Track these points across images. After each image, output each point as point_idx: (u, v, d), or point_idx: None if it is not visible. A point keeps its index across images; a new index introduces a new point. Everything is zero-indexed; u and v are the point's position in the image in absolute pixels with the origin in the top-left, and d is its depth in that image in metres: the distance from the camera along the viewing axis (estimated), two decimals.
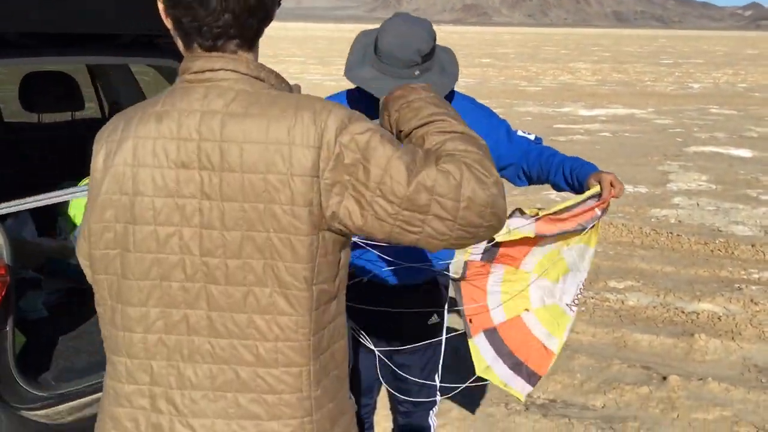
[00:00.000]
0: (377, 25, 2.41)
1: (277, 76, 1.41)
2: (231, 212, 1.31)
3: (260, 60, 1.42)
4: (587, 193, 2.40)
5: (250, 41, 1.39)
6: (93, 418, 2.42)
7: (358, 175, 1.29)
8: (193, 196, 1.33)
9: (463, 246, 1.37)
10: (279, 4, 1.44)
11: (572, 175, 2.50)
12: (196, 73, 1.36)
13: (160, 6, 1.37)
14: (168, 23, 1.38)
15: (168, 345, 1.38)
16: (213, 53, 1.36)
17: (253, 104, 1.32)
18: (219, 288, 1.34)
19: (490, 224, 1.33)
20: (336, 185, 1.29)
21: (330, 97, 2.53)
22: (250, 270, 1.33)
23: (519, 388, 2.56)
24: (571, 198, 2.43)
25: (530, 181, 2.64)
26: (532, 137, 2.62)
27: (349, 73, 2.32)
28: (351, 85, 2.49)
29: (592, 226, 2.45)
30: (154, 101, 1.40)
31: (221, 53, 1.36)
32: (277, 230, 1.30)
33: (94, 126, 4.92)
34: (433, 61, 2.32)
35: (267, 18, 1.40)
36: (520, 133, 2.61)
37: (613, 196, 2.39)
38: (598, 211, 2.42)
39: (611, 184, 2.37)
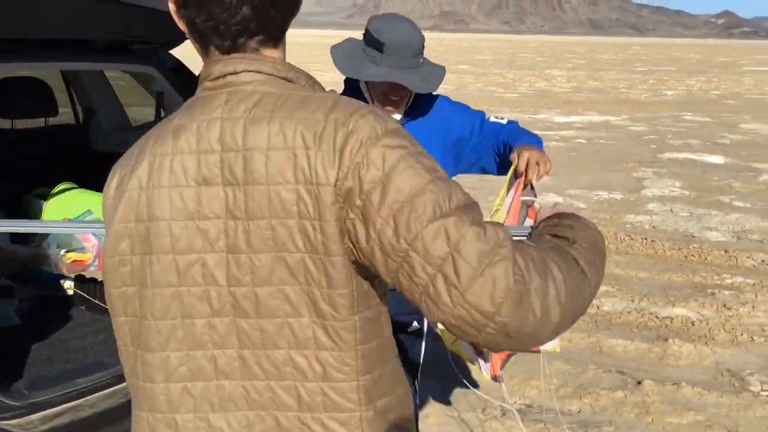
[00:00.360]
0: (355, 32, 2.45)
1: (309, 77, 1.27)
2: (258, 231, 1.14)
3: None
4: (509, 174, 2.29)
5: (274, 37, 1.23)
6: (66, 428, 2.40)
7: (372, 197, 1.10)
8: (218, 217, 1.16)
9: (458, 335, 1.13)
10: None
11: (504, 149, 2.46)
12: (216, 79, 1.22)
13: (171, 7, 1.22)
14: (182, 26, 1.24)
15: (194, 394, 1.21)
16: (233, 55, 1.21)
17: (279, 107, 1.16)
18: (250, 321, 1.17)
19: (501, 324, 1.08)
20: (348, 198, 1.12)
21: None
22: (284, 298, 1.16)
23: (484, 368, 2.55)
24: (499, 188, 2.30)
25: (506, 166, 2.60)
26: (504, 121, 2.59)
27: (359, 74, 2.40)
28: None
29: (529, 208, 2.30)
30: (172, 116, 1.26)
31: (242, 54, 1.21)
32: (310, 250, 1.13)
33: (68, 132, 4.90)
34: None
35: (293, 7, 1.24)
36: (492, 119, 2.61)
37: (530, 180, 2.25)
38: (522, 197, 2.27)
39: (529, 164, 2.25)
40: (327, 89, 1.27)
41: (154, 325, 1.21)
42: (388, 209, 1.09)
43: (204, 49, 1.23)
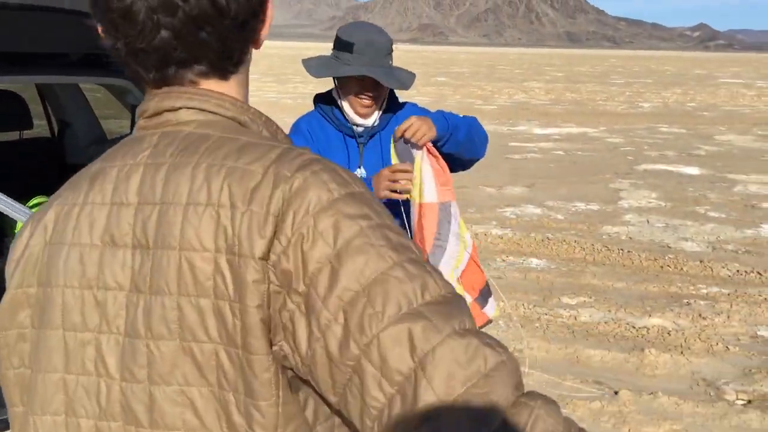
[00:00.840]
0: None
1: (270, 122, 1.01)
2: (161, 311, 0.89)
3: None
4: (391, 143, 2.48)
5: (219, 68, 0.98)
6: None
7: (317, 282, 0.84)
8: (120, 288, 0.92)
9: None
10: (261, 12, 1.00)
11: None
12: (150, 116, 0.99)
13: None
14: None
15: None
16: (174, 88, 0.98)
17: (210, 152, 0.92)
18: None
19: None
20: (286, 281, 0.85)
21: (302, 118, 2.65)
22: (187, 405, 0.89)
23: None
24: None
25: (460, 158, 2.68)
26: (460, 115, 2.70)
27: (333, 72, 2.55)
28: (310, 106, 2.72)
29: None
30: (101, 157, 1.05)
31: (184, 88, 0.98)
32: (225, 342, 0.87)
33: (43, 145, 4.86)
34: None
35: (241, 30, 0.97)
36: (449, 112, 2.71)
37: (405, 136, 2.42)
38: (405, 146, 2.47)
39: (407, 132, 2.42)
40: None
41: (32, 421, 0.97)
42: (337, 300, 0.82)
43: (140, 81, 1.01)
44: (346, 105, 2.61)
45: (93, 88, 5.65)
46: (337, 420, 0.92)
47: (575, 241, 7.65)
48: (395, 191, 2.47)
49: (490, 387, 0.79)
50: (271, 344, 0.86)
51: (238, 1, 0.95)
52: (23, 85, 4.69)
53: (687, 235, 8.11)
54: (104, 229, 0.94)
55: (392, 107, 2.71)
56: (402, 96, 2.84)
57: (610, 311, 5.70)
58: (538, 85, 36.46)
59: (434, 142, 2.49)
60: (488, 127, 17.72)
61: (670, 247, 7.62)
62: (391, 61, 2.59)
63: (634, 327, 5.39)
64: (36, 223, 1.01)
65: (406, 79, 2.60)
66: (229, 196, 0.88)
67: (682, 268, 6.89)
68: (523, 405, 0.79)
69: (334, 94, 2.66)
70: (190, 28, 0.93)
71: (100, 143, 4.59)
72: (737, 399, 4.29)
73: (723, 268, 6.86)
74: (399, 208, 2.52)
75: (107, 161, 1.00)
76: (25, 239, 1.01)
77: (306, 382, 0.88)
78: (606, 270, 6.81)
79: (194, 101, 0.98)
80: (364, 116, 2.61)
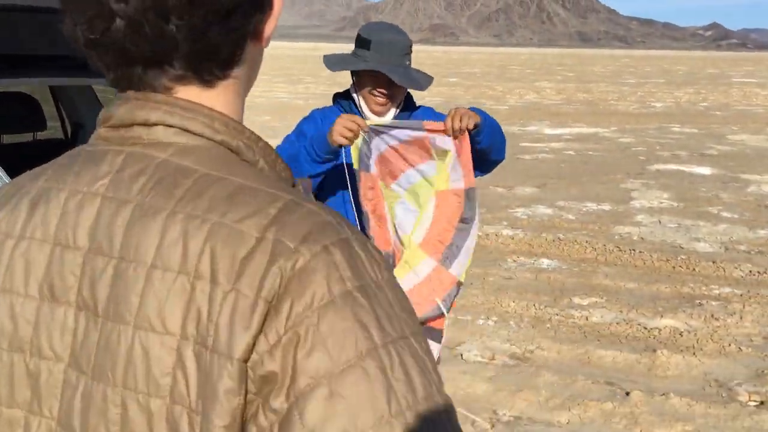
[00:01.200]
0: (344, 44, 2.64)
1: (269, 151, 0.79)
2: (100, 404, 0.70)
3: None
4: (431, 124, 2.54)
5: (200, 68, 0.76)
6: None
7: (305, 405, 0.64)
8: (58, 359, 0.73)
9: None
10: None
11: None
12: (117, 127, 0.77)
13: None
14: None
15: None
16: (149, 95, 0.76)
17: (192, 196, 0.71)
18: None
19: None
20: (264, 387, 0.66)
21: (318, 108, 2.73)
22: None
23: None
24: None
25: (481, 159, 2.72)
26: None
27: (349, 67, 2.64)
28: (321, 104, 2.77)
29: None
30: (42, 169, 0.82)
31: (158, 96, 0.76)
32: None
33: (56, 146, 4.89)
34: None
35: (227, 20, 0.74)
36: None
37: (448, 130, 2.50)
38: (432, 137, 2.55)
39: (454, 118, 2.50)
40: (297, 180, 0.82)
41: None
42: (298, 390, 0.65)
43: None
44: (361, 101, 2.69)
45: (106, 90, 5.69)
46: None
47: (587, 242, 7.64)
48: (346, 141, 2.51)
49: None
50: None
51: None
52: (36, 87, 4.73)
53: (699, 236, 8.07)
54: (43, 276, 0.74)
55: (408, 107, 2.76)
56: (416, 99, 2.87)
57: (621, 312, 5.69)
58: (550, 85, 36.38)
59: (476, 135, 2.57)
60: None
61: (682, 248, 7.59)
62: (409, 61, 2.64)
63: (645, 328, 5.37)
64: None
65: (422, 79, 2.65)
66: (210, 264, 0.68)
67: (694, 269, 6.86)
68: None
69: (351, 90, 2.74)
70: (150, 17, 0.72)
71: None
72: (750, 400, 4.27)
73: (736, 268, 6.83)
74: (347, 175, 2.60)
75: (54, 180, 0.78)
76: None
77: None
78: (618, 270, 6.79)
79: (175, 117, 0.75)
80: (379, 113, 2.67)
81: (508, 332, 5.19)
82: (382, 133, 2.58)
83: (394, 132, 2.58)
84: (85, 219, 0.74)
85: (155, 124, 0.76)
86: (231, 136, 0.76)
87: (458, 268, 2.64)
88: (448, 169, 2.58)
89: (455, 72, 49.01)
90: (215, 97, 0.78)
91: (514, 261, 6.97)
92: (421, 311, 2.56)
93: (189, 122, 0.75)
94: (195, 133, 0.76)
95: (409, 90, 2.71)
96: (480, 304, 5.75)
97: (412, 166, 2.62)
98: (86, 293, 0.72)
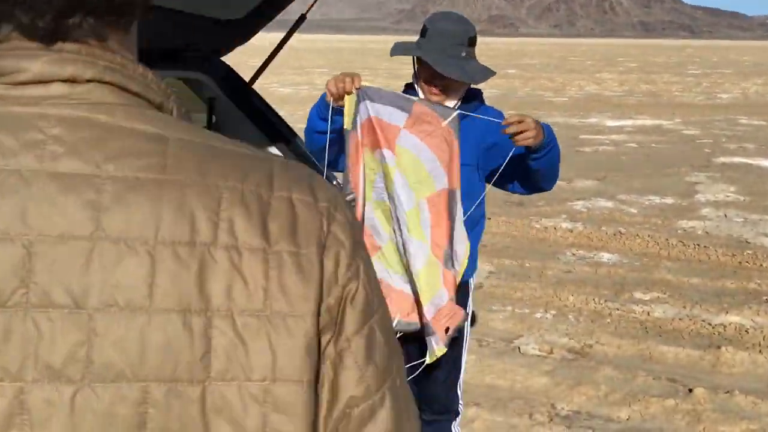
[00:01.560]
0: (401, 37, 2.64)
1: (180, 102, 0.74)
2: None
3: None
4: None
5: (119, 17, 0.69)
6: None
7: (351, 346, 0.72)
8: None
9: None
10: None
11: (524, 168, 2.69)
12: (29, 84, 0.64)
13: None
14: None
15: None
16: (64, 46, 0.65)
17: (189, 163, 0.66)
18: None
19: None
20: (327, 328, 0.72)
21: None
22: None
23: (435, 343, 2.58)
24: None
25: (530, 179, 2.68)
26: None
27: (402, 52, 2.61)
28: None
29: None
30: None
31: (81, 46, 0.66)
32: None
33: None
34: (474, 52, 2.60)
35: None
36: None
37: (510, 132, 2.39)
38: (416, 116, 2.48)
39: (518, 124, 2.39)
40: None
41: None
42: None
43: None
44: (419, 89, 2.67)
45: (170, 83, 5.80)
46: None
47: (649, 236, 7.49)
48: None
49: None
50: None
51: None
52: None
53: (766, 231, 7.83)
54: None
55: (473, 102, 2.69)
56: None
57: (685, 307, 5.56)
58: (611, 76, 35.70)
59: (531, 152, 2.46)
60: (558, 119, 17.52)
61: (748, 243, 7.37)
62: (465, 52, 2.55)
63: (710, 324, 5.24)
64: None
65: (476, 73, 2.57)
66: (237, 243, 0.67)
67: (761, 265, 6.67)
68: None
69: (413, 78, 2.72)
70: None
71: None
72: None
73: None
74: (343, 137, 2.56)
75: None
76: None
77: None
78: (681, 265, 6.64)
79: (112, 73, 0.66)
80: (440, 101, 2.62)
81: (566, 326, 5.13)
82: (372, 99, 2.50)
83: (383, 100, 2.51)
84: (17, 199, 0.63)
85: (89, 81, 0.65)
86: (157, 93, 0.72)
87: (458, 266, 2.61)
88: (431, 174, 2.51)
89: (514, 64, 48.49)
90: (128, 48, 0.73)
91: (573, 254, 6.88)
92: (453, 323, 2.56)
93: (122, 78, 0.67)
94: (130, 91, 0.68)
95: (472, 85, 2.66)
96: (538, 298, 5.70)
97: (383, 147, 2.55)
98: (38, 292, 0.63)
